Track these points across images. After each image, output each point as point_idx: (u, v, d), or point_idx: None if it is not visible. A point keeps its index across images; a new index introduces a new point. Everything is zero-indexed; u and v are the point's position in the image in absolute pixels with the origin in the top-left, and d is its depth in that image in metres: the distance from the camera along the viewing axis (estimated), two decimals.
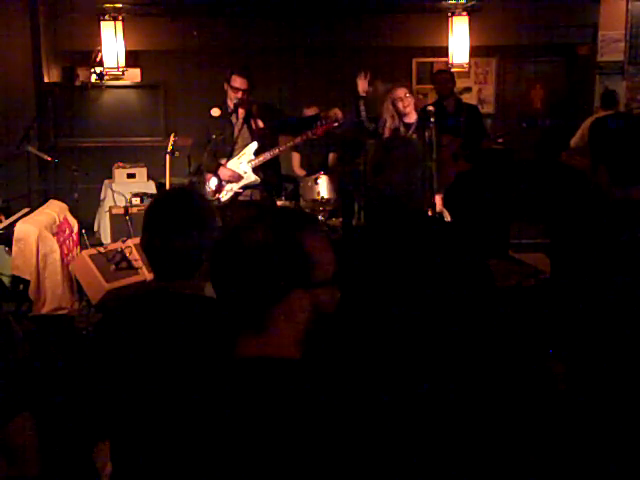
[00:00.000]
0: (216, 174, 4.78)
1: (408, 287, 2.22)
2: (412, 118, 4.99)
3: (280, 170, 5.10)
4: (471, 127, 6.16)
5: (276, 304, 1.32)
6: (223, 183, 4.81)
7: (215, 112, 4.79)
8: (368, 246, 2.31)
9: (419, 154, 2.51)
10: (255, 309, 1.32)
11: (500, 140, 6.33)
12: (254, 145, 4.79)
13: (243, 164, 4.80)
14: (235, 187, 4.81)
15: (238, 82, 4.66)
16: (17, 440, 1.85)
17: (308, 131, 4.90)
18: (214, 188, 4.82)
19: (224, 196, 4.82)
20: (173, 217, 1.87)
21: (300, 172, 6.77)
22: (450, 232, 2.47)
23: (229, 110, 4.80)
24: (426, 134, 4.84)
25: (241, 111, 4.80)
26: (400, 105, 4.93)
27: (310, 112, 6.42)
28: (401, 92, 4.95)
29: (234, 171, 4.76)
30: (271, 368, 1.28)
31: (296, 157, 6.69)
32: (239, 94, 4.67)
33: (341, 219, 6.35)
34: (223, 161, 4.78)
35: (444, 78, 6.58)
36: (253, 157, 4.79)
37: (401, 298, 2.21)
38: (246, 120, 4.81)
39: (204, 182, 4.92)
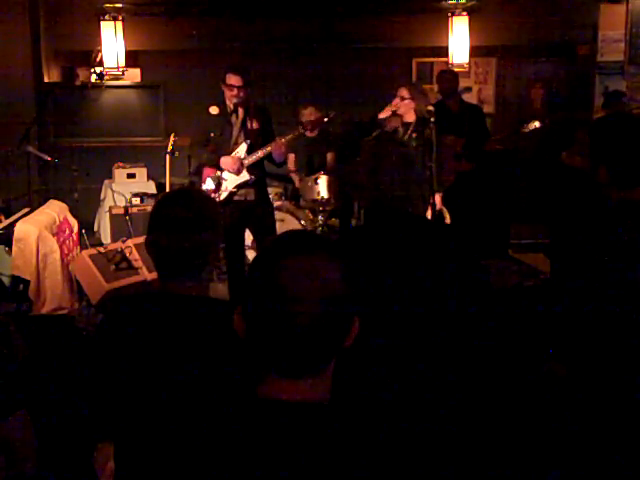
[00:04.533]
0: (218, 167, 4.80)
1: (401, 292, 2.22)
2: (411, 118, 5.01)
3: (264, 169, 5.13)
4: (474, 127, 6.16)
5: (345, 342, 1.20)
6: (221, 181, 4.83)
7: (214, 110, 4.80)
8: (361, 250, 2.30)
9: (412, 156, 2.51)
10: (327, 353, 1.18)
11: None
12: (246, 145, 4.82)
13: (239, 158, 4.84)
14: (230, 186, 4.82)
15: (233, 80, 4.65)
16: (14, 438, 1.85)
17: (299, 126, 5.02)
18: (213, 188, 4.84)
19: (221, 195, 4.84)
20: (179, 217, 1.86)
21: (293, 174, 6.74)
22: (446, 235, 2.47)
23: (229, 110, 4.81)
24: (425, 134, 4.85)
25: (240, 110, 4.81)
26: (394, 102, 5.00)
27: (307, 113, 6.44)
28: (399, 92, 5.00)
29: (234, 159, 4.78)
30: (323, 415, 1.16)
31: (291, 158, 6.64)
32: (235, 92, 4.66)
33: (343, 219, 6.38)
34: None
35: (447, 78, 6.58)
36: (246, 155, 4.80)
37: (393, 302, 2.21)
38: (244, 120, 4.82)
39: (203, 179, 4.94)
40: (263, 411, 1.15)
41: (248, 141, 4.81)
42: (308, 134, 6.44)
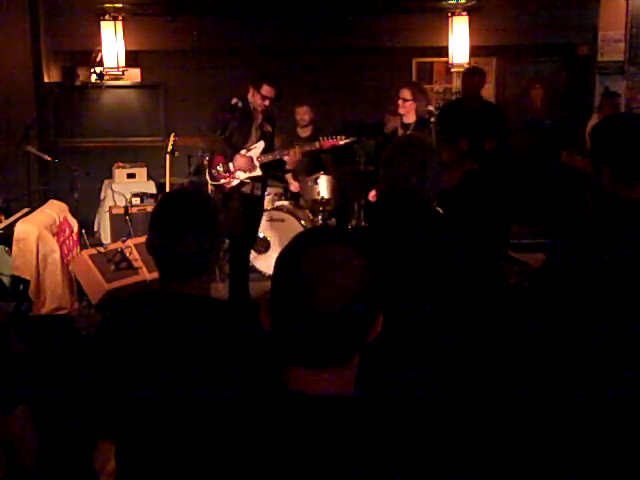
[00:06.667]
0: (230, 160, 4.97)
1: (417, 285, 2.22)
2: (410, 119, 5.03)
3: (268, 172, 5.29)
4: (488, 126, 6.15)
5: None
6: (233, 170, 4.94)
7: (235, 101, 4.92)
8: (378, 243, 2.29)
9: (429, 146, 2.50)
10: (350, 345, 1.17)
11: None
12: (262, 143, 5.05)
13: (253, 158, 4.98)
14: (244, 176, 4.95)
15: (268, 91, 4.88)
16: (15, 435, 1.85)
17: (316, 142, 5.24)
18: (223, 172, 5.00)
19: (232, 181, 5.00)
20: (180, 218, 1.86)
21: (290, 177, 6.73)
22: (462, 230, 2.46)
23: (251, 108, 4.98)
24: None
25: (260, 113, 4.96)
26: (397, 102, 5.03)
27: (302, 111, 6.49)
28: (401, 93, 5.01)
29: (248, 160, 4.95)
30: (350, 408, 1.16)
31: None
32: (267, 102, 4.91)
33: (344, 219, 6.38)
34: (243, 151, 4.99)
35: (473, 80, 6.42)
36: (261, 154, 5.02)
37: (410, 296, 2.20)
38: (261, 122, 5.05)
39: (214, 164, 5.03)
40: (285, 404, 1.15)
41: (264, 142, 5.05)
42: (302, 135, 6.47)
